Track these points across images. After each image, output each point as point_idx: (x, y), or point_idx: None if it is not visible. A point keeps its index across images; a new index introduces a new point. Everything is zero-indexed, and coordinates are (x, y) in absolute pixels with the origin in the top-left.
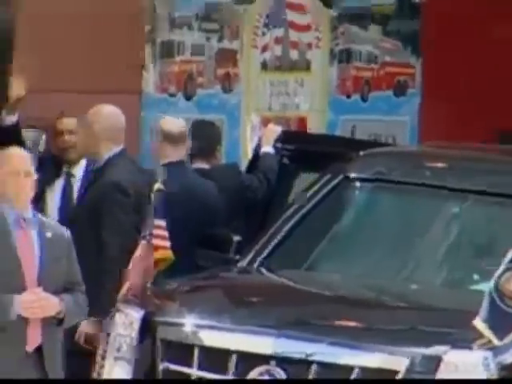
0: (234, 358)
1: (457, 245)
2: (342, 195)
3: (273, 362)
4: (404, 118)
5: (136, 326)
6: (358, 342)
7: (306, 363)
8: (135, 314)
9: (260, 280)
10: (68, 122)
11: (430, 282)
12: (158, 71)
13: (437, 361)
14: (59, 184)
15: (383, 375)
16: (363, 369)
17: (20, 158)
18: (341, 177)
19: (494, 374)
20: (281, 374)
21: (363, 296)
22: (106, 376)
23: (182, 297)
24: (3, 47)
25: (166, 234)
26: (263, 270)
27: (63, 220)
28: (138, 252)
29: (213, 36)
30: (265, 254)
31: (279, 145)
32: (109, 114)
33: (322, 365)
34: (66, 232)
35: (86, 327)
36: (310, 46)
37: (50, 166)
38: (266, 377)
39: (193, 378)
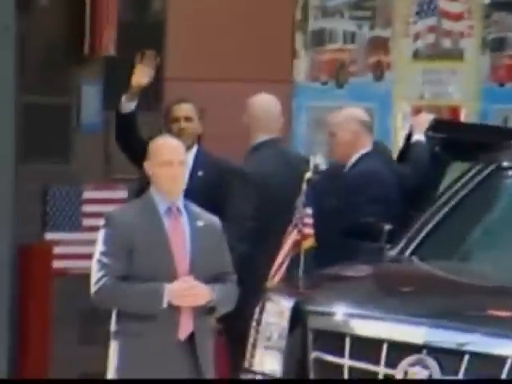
0: (385, 347)
1: None
2: (494, 185)
3: (424, 352)
4: None
5: (287, 315)
6: None
7: (458, 353)
8: (286, 303)
9: (411, 269)
10: (186, 108)
11: None
12: (309, 60)
13: None
14: None
15: None
16: None
17: (172, 148)
18: (493, 166)
19: None
20: (432, 364)
21: None
22: (257, 365)
23: (333, 286)
24: (156, 36)
25: (311, 221)
26: (414, 260)
27: None
28: (289, 241)
29: (364, 24)
30: (416, 243)
31: (430, 133)
32: (264, 102)
33: (475, 355)
34: (218, 221)
35: None
36: (462, 34)
37: None
38: (418, 366)
39: (344, 367)
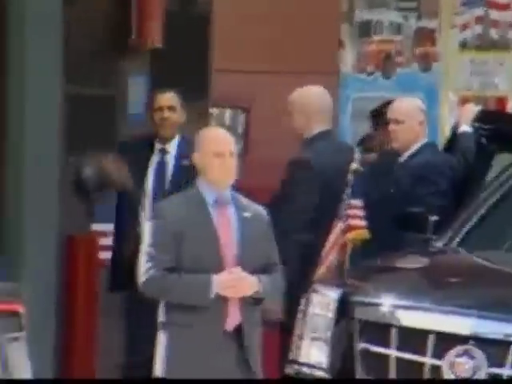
0: (432, 338)
1: None
2: None
3: (471, 343)
4: None
5: (333, 306)
6: None
7: (505, 344)
8: (332, 295)
9: (458, 260)
10: (169, 97)
11: None
12: (356, 51)
13: None
14: (154, 160)
15: None
16: None
17: (224, 139)
18: None
19: None
20: (479, 355)
21: None
22: (303, 357)
23: (379, 277)
24: (202, 27)
25: (362, 213)
26: (461, 250)
27: (157, 197)
28: (335, 232)
29: (411, 15)
30: (462, 234)
31: (477, 124)
32: (317, 94)
33: None
34: (265, 212)
35: None
36: (510, 25)
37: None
38: (464, 357)
39: (391, 358)
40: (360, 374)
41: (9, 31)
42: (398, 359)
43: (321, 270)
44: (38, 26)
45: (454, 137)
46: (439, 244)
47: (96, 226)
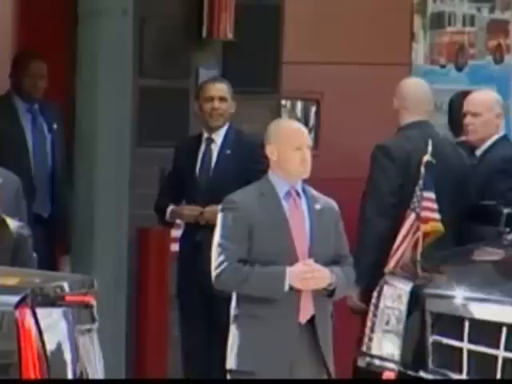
0: (504, 330)
1: None
2: None
3: None
4: None
5: (405, 298)
6: None
7: None
8: (404, 287)
9: None
10: (221, 88)
11: None
12: (428, 42)
13: None
14: (201, 149)
15: None
16: None
17: (302, 132)
18: None
19: None
20: None
21: None
22: (375, 349)
23: (451, 269)
24: (273, 20)
25: (435, 206)
26: None
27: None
28: (407, 224)
29: (484, 6)
30: None
31: None
32: (413, 85)
33: None
34: (335, 204)
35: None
36: None
37: None
38: None
39: (463, 351)
40: (432, 366)
41: (80, 25)
42: (471, 352)
43: (392, 262)
44: (110, 20)
45: None
46: None
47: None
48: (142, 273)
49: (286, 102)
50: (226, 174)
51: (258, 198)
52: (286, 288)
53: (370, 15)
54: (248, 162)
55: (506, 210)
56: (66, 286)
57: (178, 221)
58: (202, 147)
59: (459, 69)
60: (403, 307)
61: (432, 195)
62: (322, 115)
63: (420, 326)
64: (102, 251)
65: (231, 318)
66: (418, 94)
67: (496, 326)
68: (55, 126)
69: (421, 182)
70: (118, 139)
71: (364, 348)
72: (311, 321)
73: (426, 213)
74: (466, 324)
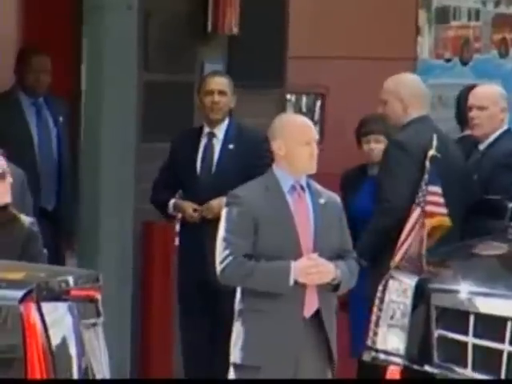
0: (510, 325)
1: None
2: None
3: None
4: None
5: (410, 293)
6: None
7: None
8: (409, 281)
9: None
10: (221, 82)
11: None
12: (433, 37)
13: None
14: (202, 144)
15: None
16: None
17: (310, 126)
18: None
19: None
20: None
21: None
22: (380, 344)
23: (457, 263)
24: (279, 14)
25: (441, 200)
26: None
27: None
28: (412, 219)
29: (489, 1)
30: None
31: None
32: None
33: None
34: (338, 199)
35: None
36: None
37: None
38: None
39: (468, 345)
40: (437, 360)
41: (85, 19)
42: (476, 346)
43: (398, 257)
44: (115, 15)
45: None
46: None
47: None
48: (146, 267)
49: (291, 96)
50: (228, 169)
51: (262, 193)
52: (291, 282)
53: (376, 10)
54: (251, 158)
55: (510, 205)
56: (71, 280)
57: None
58: (203, 142)
59: (464, 63)
60: (408, 301)
61: (438, 189)
62: (327, 110)
63: (425, 320)
64: (107, 245)
65: (235, 313)
66: (420, 90)
67: (501, 321)
68: (61, 118)
69: (426, 176)
70: (123, 134)
71: (369, 342)
72: (315, 315)
73: (432, 207)
74: (471, 318)
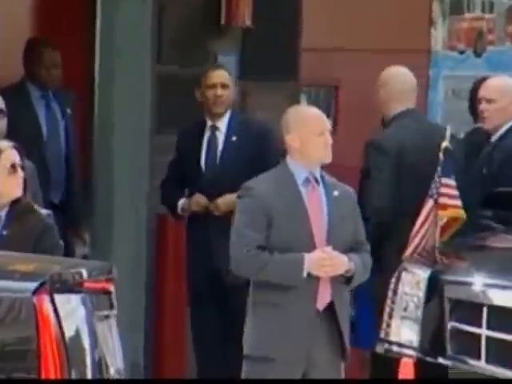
0: None
1: None
2: None
3: None
4: None
5: (423, 285)
6: None
7: None
8: (422, 273)
9: None
10: (223, 75)
11: None
12: (447, 28)
13: None
14: (205, 137)
15: None
16: None
17: (323, 117)
18: None
19: None
20: None
21: None
22: (393, 336)
23: (470, 255)
24: (292, 7)
25: (454, 192)
26: None
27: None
28: (425, 211)
29: None
30: None
31: None
32: (398, 75)
33: None
34: (352, 191)
35: None
36: None
37: None
38: None
39: (481, 337)
40: (450, 352)
41: (99, 11)
42: (489, 338)
43: (410, 249)
44: (129, 6)
45: None
46: None
47: None
48: (160, 259)
49: (304, 88)
50: (232, 161)
51: (276, 185)
52: (305, 275)
53: (389, 1)
54: (255, 149)
55: None
56: (84, 272)
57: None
58: (207, 135)
59: (478, 55)
60: (421, 293)
61: (451, 182)
62: (340, 102)
63: (438, 312)
64: (120, 238)
65: (248, 305)
66: (406, 83)
67: None
68: (69, 110)
69: (439, 168)
70: (137, 126)
71: (382, 334)
72: (328, 308)
73: (445, 199)
74: (485, 310)
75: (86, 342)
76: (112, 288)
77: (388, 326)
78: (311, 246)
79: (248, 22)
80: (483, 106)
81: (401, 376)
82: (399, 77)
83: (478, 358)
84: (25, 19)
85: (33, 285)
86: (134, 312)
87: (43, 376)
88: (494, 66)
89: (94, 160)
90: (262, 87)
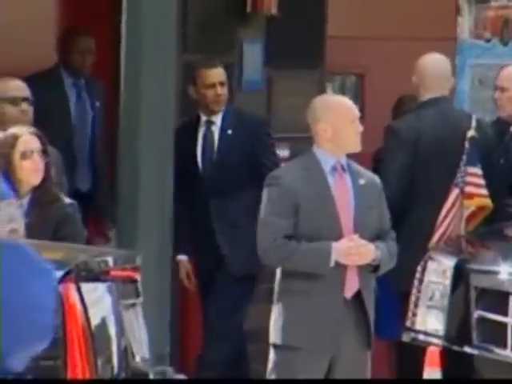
0: None
1: None
2: None
3: None
4: None
5: (449, 273)
6: None
7: None
8: (448, 262)
9: None
10: (220, 73)
11: None
12: (474, 17)
13: None
14: (201, 132)
15: None
16: None
17: (352, 105)
18: None
19: None
20: None
21: None
22: (419, 325)
23: (496, 244)
24: None
25: (480, 181)
26: None
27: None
28: (450, 200)
29: None
30: None
31: None
32: (429, 62)
33: None
34: (378, 179)
35: None
36: None
37: None
38: None
39: (508, 326)
40: (476, 341)
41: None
42: None
43: (435, 237)
44: None
45: None
46: None
47: None
48: None
49: (329, 76)
50: (229, 155)
51: (302, 173)
52: (332, 264)
53: None
54: (251, 142)
55: None
56: (110, 260)
57: None
58: (202, 130)
59: (504, 43)
60: (448, 282)
61: (477, 170)
62: (367, 90)
63: (464, 301)
64: (146, 225)
65: (275, 293)
66: (436, 71)
67: None
68: (98, 104)
69: (464, 157)
70: (163, 114)
71: (408, 323)
72: (356, 296)
73: (471, 188)
74: (511, 299)
75: (112, 331)
76: (138, 276)
77: (414, 314)
78: (338, 235)
79: (274, 10)
80: (497, 95)
81: (427, 365)
82: (430, 63)
83: (504, 346)
84: (52, 9)
85: (59, 273)
86: (160, 300)
87: (69, 364)
88: None
89: (120, 150)
90: (288, 75)
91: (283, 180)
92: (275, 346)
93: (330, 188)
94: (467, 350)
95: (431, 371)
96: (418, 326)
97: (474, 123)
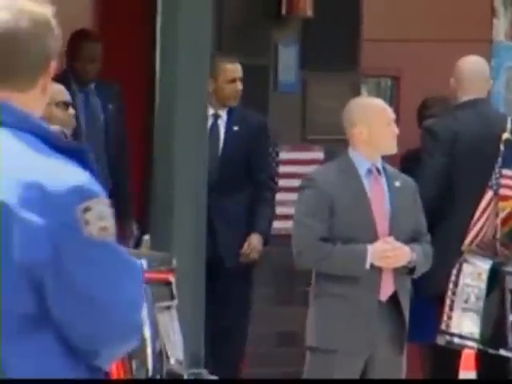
0: None
1: None
2: None
3: None
4: None
5: (484, 276)
6: None
7: None
8: (483, 265)
9: None
10: (239, 69)
11: None
12: (509, 19)
13: None
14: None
15: None
16: None
17: (387, 108)
18: None
19: None
20: None
21: None
22: (454, 327)
23: None
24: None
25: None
26: None
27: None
28: (484, 201)
29: None
30: None
31: None
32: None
33: None
34: (413, 182)
35: None
36: None
37: None
38: None
39: None
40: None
41: (159, 3)
42: None
43: (468, 239)
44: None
45: None
46: None
47: None
48: None
49: (365, 79)
50: (233, 152)
51: (338, 176)
52: (367, 266)
53: None
54: (254, 143)
55: None
56: (144, 263)
57: None
58: (209, 122)
59: None
60: (483, 285)
61: (511, 173)
62: (402, 92)
63: (500, 303)
64: (180, 226)
65: (311, 296)
66: (474, 73)
67: None
68: (110, 106)
69: (499, 159)
70: (198, 115)
71: (443, 326)
72: (391, 299)
73: (505, 190)
74: None
75: (147, 333)
76: (172, 279)
77: (449, 317)
78: (373, 237)
79: (309, 13)
80: None
81: (462, 368)
82: (468, 65)
83: None
84: (86, 12)
85: None
86: (195, 302)
87: None
88: None
89: (154, 149)
90: (323, 77)
91: (319, 182)
92: (311, 349)
93: (366, 191)
94: (503, 352)
95: (466, 374)
96: (453, 329)
97: (509, 125)
